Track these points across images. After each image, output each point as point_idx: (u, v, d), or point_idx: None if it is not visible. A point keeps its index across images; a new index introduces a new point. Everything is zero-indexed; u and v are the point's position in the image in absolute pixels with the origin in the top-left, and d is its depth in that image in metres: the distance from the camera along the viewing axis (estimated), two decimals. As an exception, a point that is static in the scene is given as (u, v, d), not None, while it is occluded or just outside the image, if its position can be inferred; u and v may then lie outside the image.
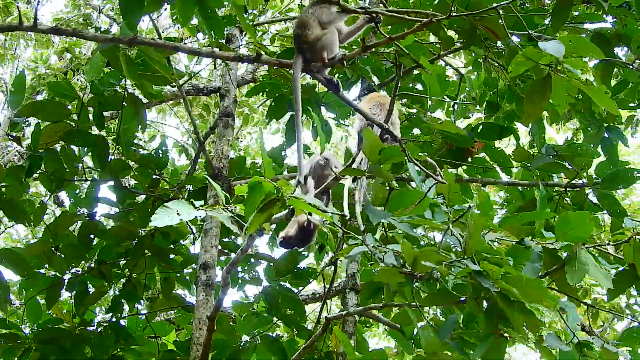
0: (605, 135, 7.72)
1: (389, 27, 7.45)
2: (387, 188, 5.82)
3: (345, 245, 7.00)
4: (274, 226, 7.29)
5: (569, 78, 4.73)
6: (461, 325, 5.20)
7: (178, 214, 4.49)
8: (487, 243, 4.84)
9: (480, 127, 7.74)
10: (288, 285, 7.92)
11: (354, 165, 5.88)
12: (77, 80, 11.77)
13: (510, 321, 4.38)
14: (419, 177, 5.24)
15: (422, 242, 6.20)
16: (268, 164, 4.68)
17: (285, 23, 11.83)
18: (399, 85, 7.92)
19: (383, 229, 5.61)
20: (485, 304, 4.53)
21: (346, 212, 5.29)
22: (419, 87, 8.23)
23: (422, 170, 5.35)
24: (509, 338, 4.64)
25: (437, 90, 6.92)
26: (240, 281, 8.13)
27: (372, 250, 4.74)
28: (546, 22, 6.93)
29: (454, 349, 5.07)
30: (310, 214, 5.23)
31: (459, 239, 4.81)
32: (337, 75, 7.99)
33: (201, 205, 4.71)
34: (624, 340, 5.89)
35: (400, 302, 6.26)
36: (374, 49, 8.02)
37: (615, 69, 7.55)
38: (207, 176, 7.40)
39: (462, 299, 4.62)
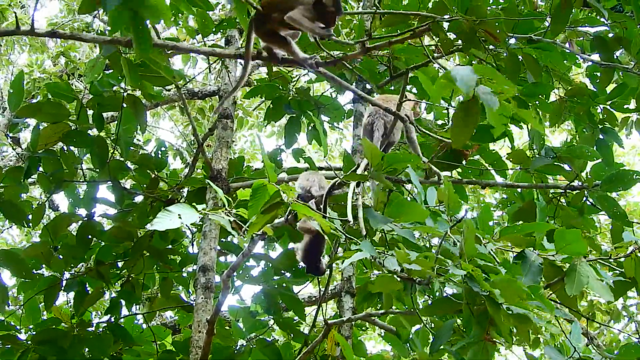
0: (600, 136, 7.74)
1: (383, 30, 7.47)
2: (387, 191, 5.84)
3: (340, 249, 7.03)
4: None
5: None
6: (463, 330, 5.20)
7: (179, 217, 4.51)
8: (489, 252, 4.88)
9: (475, 129, 7.74)
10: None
11: (360, 170, 5.91)
12: (73, 84, 11.73)
13: (498, 325, 4.42)
14: (418, 182, 5.28)
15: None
16: (270, 167, 4.71)
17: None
18: (395, 87, 7.98)
19: (383, 233, 5.62)
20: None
21: (349, 217, 5.32)
22: (414, 90, 8.23)
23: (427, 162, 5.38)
24: (497, 343, 4.67)
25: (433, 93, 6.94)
26: (237, 278, 8.12)
27: (373, 256, 4.74)
28: (546, 24, 6.95)
29: (451, 354, 5.09)
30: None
31: (456, 246, 4.84)
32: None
33: (202, 209, 4.73)
34: (622, 357, 5.92)
35: (398, 306, 6.29)
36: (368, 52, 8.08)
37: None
38: (207, 180, 7.41)
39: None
